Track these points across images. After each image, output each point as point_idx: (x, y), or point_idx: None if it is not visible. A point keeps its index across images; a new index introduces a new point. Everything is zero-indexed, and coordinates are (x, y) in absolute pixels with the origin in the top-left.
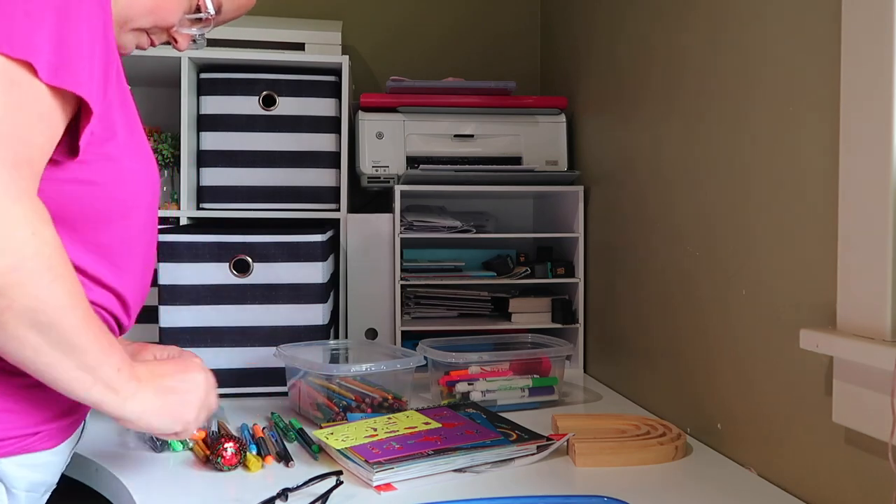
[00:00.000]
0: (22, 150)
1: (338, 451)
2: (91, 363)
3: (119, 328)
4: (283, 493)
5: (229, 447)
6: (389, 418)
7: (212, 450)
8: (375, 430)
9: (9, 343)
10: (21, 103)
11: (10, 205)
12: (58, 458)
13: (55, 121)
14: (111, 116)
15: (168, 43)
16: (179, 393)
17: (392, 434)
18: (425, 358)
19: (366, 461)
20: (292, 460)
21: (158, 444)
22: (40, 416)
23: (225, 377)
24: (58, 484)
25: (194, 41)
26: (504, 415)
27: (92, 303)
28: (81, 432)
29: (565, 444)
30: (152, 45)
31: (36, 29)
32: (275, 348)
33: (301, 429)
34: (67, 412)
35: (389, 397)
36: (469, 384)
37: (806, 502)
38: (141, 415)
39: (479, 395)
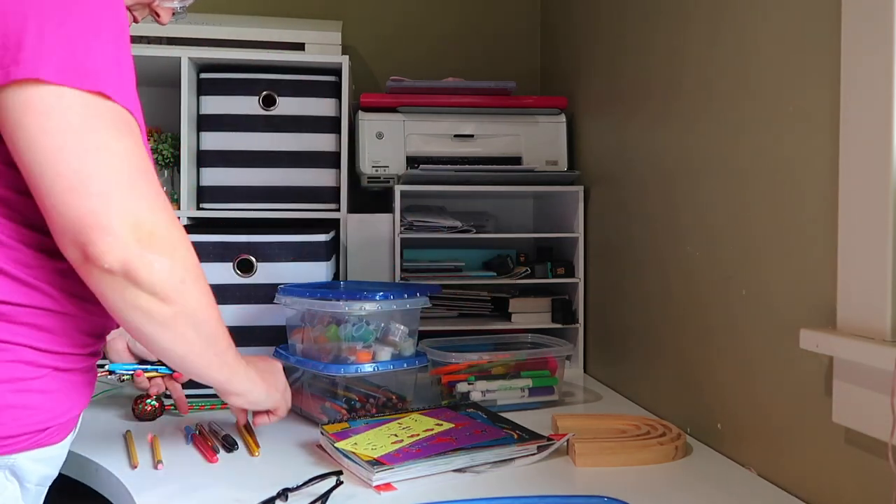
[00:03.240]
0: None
1: (339, 450)
2: (222, 349)
3: None
4: (283, 493)
5: (150, 402)
6: (401, 423)
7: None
8: (397, 435)
9: (173, 341)
10: (131, 134)
11: (176, 224)
12: (62, 451)
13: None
14: None
15: (151, 18)
16: (273, 373)
17: (415, 438)
18: (426, 357)
19: (366, 461)
20: (236, 446)
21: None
22: (50, 412)
23: None
24: (58, 484)
25: (174, 14)
26: (504, 415)
27: None
28: (77, 427)
29: (565, 444)
30: (135, 21)
31: (110, 61)
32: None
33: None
34: (73, 406)
35: (394, 397)
36: (469, 384)
37: (806, 502)
38: (251, 389)
39: (479, 396)
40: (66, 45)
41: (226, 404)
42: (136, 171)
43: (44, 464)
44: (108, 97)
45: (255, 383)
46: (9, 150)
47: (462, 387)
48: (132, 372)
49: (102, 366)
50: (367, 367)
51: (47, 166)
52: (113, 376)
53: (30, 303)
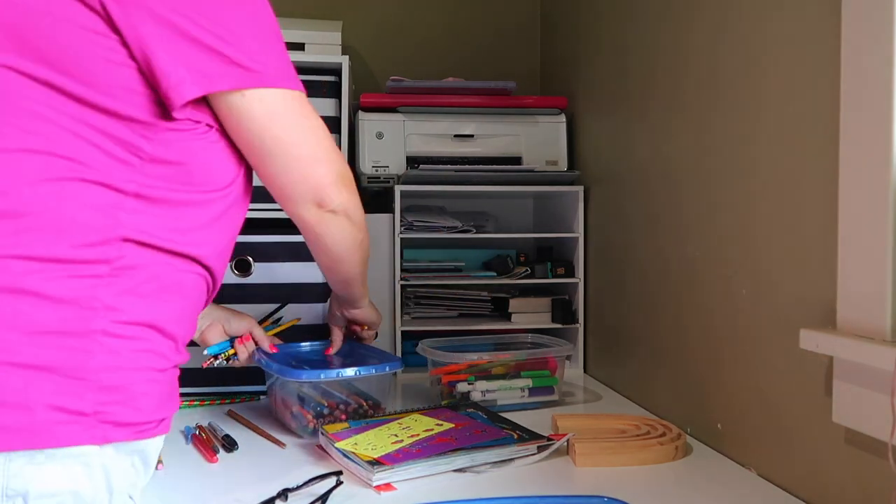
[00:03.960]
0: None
1: (338, 450)
2: (366, 273)
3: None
4: (283, 494)
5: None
6: (401, 423)
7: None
8: (397, 435)
9: (358, 261)
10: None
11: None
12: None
13: None
14: None
15: None
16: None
17: (415, 438)
18: (407, 360)
19: (365, 461)
20: (236, 446)
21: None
22: (168, 403)
23: (226, 376)
24: None
25: None
26: (504, 415)
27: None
28: None
29: (565, 444)
30: None
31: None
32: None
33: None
34: (177, 402)
35: (365, 403)
36: (469, 384)
37: (806, 502)
38: (367, 308)
39: (479, 395)
40: (276, 53)
41: (225, 399)
42: (329, 137)
43: (158, 452)
44: (301, 90)
45: (371, 303)
46: (238, 146)
47: (462, 387)
48: (230, 348)
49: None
50: (332, 374)
51: (292, 150)
52: (219, 360)
53: (178, 279)
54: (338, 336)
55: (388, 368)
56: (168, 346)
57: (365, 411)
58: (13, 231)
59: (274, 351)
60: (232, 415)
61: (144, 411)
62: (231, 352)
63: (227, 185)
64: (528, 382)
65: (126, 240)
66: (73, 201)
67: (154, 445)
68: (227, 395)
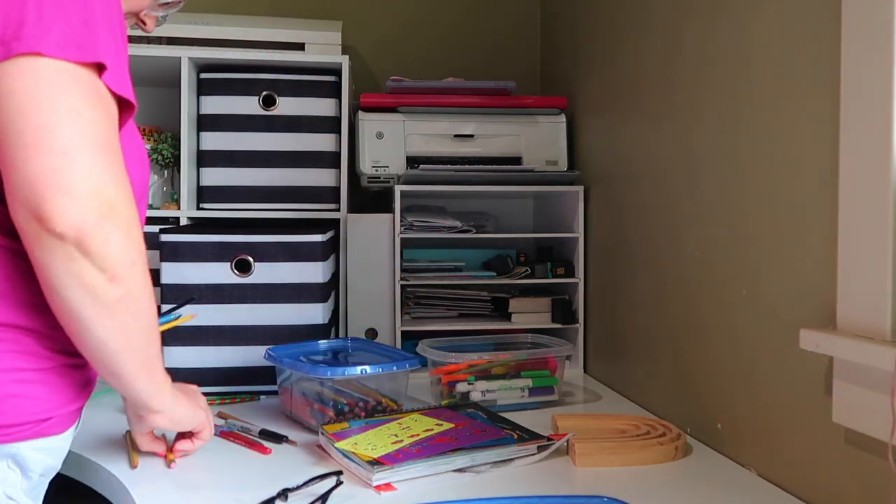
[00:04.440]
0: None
1: (338, 450)
2: (154, 355)
3: None
4: (283, 493)
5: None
6: (401, 423)
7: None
8: (397, 435)
9: (111, 330)
10: (106, 110)
11: (135, 207)
12: (65, 443)
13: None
14: None
15: (137, 26)
16: (193, 393)
17: (415, 438)
18: (422, 358)
19: (365, 461)
20: (286, 437)
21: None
22: (52, 402)
23: (225, 376)
24: (58, 484)
25: (158, 22)
26: (504, 415)
27: None
28: (80, 422)
29: (565, 444)
30: None
31: (98, 36)
32: (265, 349)
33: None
34: (74, 399)
35: (384, 401)
36: (469, 384)
37: (806, 502)
38: (174, 406)
39: (479, 395)
40: (65, 21)
41: (224, 400)
42: (103, 141)
43: (46, 454)
44: (96, 73)
45: (179, 400)
46: None
47: (462, 387)
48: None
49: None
50: (355, 371)
51: (11, 123)
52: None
53: (32, 297)
54: (148, 446)
55: (407, 366)
56: (44, 344)
57: (384, 407)
58: None
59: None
60: (223, 415)
61: (9, 414)
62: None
63: None
64: (529, 382)
65: None
66: None
67: (33, 447)
68: (226, 395)
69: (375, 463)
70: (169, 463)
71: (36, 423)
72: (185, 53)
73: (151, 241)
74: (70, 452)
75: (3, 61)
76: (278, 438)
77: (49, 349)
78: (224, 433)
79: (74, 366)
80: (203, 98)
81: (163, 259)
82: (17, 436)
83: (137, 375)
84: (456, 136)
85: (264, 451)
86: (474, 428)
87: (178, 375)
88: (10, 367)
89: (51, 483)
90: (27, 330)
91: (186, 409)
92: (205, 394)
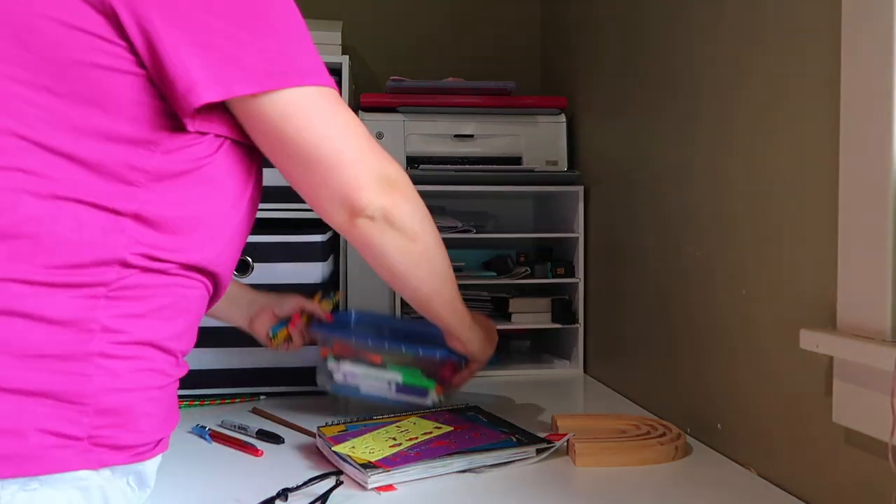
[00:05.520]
0: None
1: (335, 453)
2: (454, 292)
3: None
4: (283, 493)
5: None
6: (399, 426)
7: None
8: (395, 439)
9: (423, 279)
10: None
11: (405, 173)
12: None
13: None
14: None
15: None
16: (490, 328)
17: (413, 441)
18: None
19: (361, 464)
20: (282, 438)
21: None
22: (169, 420)
23: (224, 377)
24: None
25: None
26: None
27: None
28: None
29: (565, 444)
30: None
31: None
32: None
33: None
34: (177, 417)
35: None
36: (336, 361)
37: (806, 502)
38: (472, 338)
39: (342, 378)
40: (294, 48)
41: (224, 400)
42: (366, 136)
43: (155, 470)
44: (327, 84)
45: (477, 333)
46: (264, 153)
47: (331, 363)
48: (286, 324)
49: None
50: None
51: (313, 151)
52: (276, 344)
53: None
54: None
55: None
56: (169, 362)
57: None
58: (6, 254)
59: (329, 320)
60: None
61: (145, 433)
62: (284, 333)
63: (238, 198)
64: (398, 377)
65: (124, 262)
66: (67, 223)
67: (151, 465)
68: (226, 396)
69: (371, 466)
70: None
71: (156, 442)
72: None
73: None
74: None
75: (268, 91)
76: (276, 439)
77: (170, 366)
78: (216, 436)
79: (176, 384)
80: None
81: None
82: (146, 454)
83: (445, 308)
84: (456, 136)
85: (256, 453)
86: (473, 431)
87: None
88: (146, 386)
89: None
90: (163, 350)
91: (479, 343)
92: (204, 395)
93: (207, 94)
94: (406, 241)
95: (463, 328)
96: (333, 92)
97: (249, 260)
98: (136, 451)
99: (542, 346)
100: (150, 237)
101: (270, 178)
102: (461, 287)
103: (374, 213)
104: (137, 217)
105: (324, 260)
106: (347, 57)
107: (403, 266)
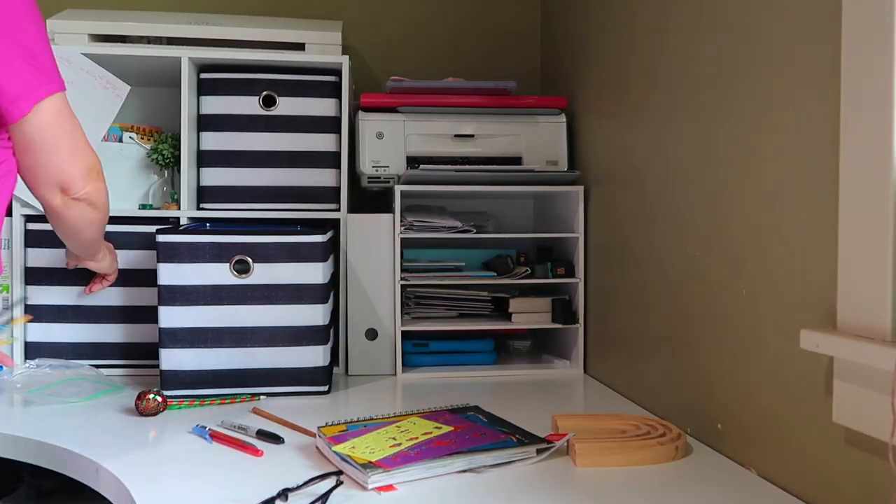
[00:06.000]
0: None
1: (335, 453)
2: (102, 235)
3: None
4: (283, 494)
5: (153, 397)
6: (399, 426)
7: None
8: (395, 439)
9: (95, 232)
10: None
11: (98, 160)
12: None
13: None
14: None
15: None
16: (113, 251)
17: (413, 441)
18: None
19: (361, 464)
20: (282, 438)
21: None
22: None
23: (224, 377)
24: (58, 484)
25: None
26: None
27: None
28: None
29: (565, 444)
30: None
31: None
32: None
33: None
34: None
35: None
36: None
37: (806, 502)
38: (105, 257)
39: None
40: (48, 55)
41: (225, 400)
42: (82, 134)
43: None
44: (62, 89)
45: (107, 255)
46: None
47: None
48: None
49: None
50: None
51: (52, 148)
52: None
53: None
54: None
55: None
56: None
57: None
58: None
59: (11, 365)
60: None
61: None
62: None
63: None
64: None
65: None
66: None
67: None
68: (226, 396)
69: (371, 466)
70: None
71: None
72: (186, 53)
73: (151, 242)
74: (70, 452)
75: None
76: (276, 439)
77: None
78: (216, 436)
79: None
80: (203, 98)
81: (160, 260)
82: None
83: (97, 245)
84: (456, 136)
85: (256, 453)
86: (473, 431)
87: (178, 377)
88: None
89: (51, 483)
90: None
91: (110, 261)
92: (204, 395)
93: (26, 105)
94: (95, 213)
95: (101, 252)
96: (64, 94)
97: (249, 260)
98: None
99: (542, 346)
100: None
101: (271, 178)
102: (461, 287)
103: (80, 195)
104: None
105: (324, 260)
106: (347, 57)
107: (86, 229)
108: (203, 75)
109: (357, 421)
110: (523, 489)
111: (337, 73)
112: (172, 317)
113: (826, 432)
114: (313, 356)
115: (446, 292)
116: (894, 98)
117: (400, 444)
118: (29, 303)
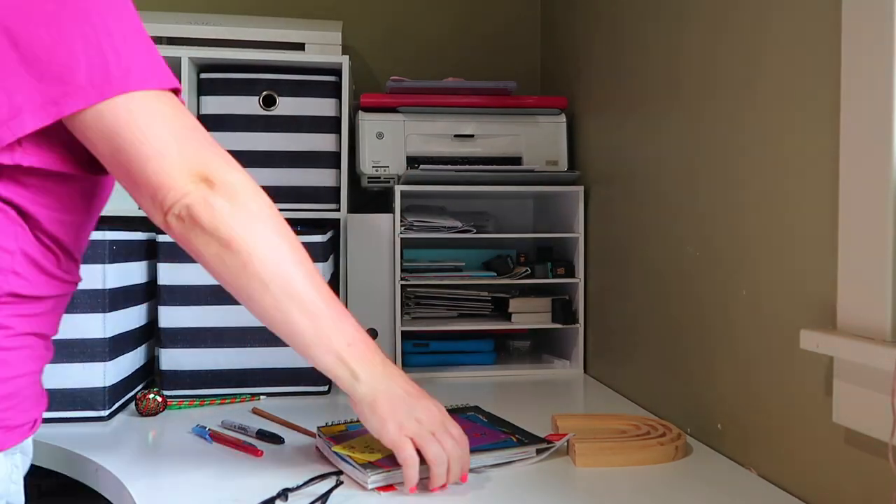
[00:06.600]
0: None
1: (335, 453)
2: (320, 316)
3: None
4: (283, 494)
5: (153, 397)
6: None
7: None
8: None
9: (255, 297)
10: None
11: (236, 169)
12: None
13: None
14: None
15: None
16: (418, 397)
17: None
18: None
19: (361, 464)
20: (282, 438)
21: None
22: (40, 404)
23: (224, 377)
24: (58, 484)
25: None
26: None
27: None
28: None
29: (565, 444)
30: None
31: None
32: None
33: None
34: (45, 404)
35: None
36: None
37: (806, 502)
38: (354, 385)
39: None
40: (140, 53)
41: (225, 400)
42: (181, 128)
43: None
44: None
45: (378, 394)
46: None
47: None
48: None
49: None
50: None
51: (129, 151)
52: None
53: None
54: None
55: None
56: (45, 346)
57: None
58: None
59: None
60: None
61: (29, 412)
62: None
63: (83, 205)
64: None
65: (12, 294)
66: None
67: (30, 442)
68: (226, 396)
69: (371, 466)
70: None
71: (35, 420)
72: (185, 53)
73: (149, 242)
74: (70, 452)
75: (87, 108)
76: (276, 439)
77: (46, 350)
78: (216, 436)
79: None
80: (203, 98)
81: (160, 260)
82: (29, 432)
83: (316, 345)
84: (456, 136)
85: (256, 453)
86: (473, 431)
87: (176, 377)
88: (31, 370)
89: (51, 483)
90: (42, 338)
91: (383, 414)
92: (204, 395)
93: (32, 121)
94: (219, 247)
95: (353, 379)
96: (147, 95)
97: None
98: (22, 431)
99: (542, 346)
100: (34, 271)
101: (270, 178)
102: (461, 287)
103: (179, 209)
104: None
105: (324, 260)
106: (347, 57)
107: (228, 279)
108: (203, 75)
109: (357, 421)
110: (523, 489)
111: (337, 73)
112: (172, 317)
113: (826, 432)
114: None
115: (446, 292)
116: (894, 98)
117: None
118: None
